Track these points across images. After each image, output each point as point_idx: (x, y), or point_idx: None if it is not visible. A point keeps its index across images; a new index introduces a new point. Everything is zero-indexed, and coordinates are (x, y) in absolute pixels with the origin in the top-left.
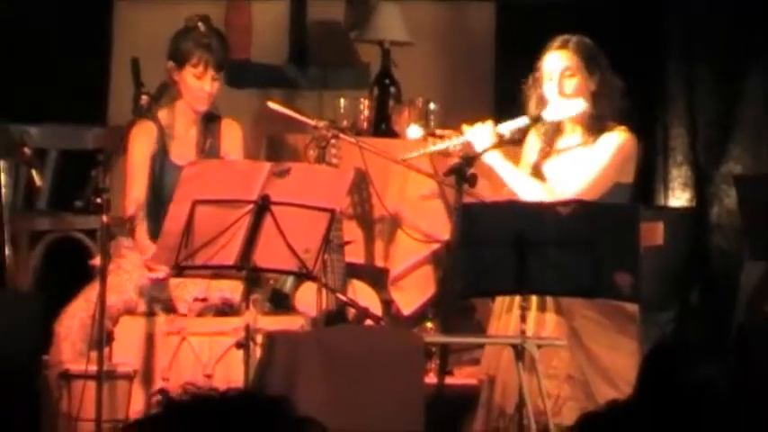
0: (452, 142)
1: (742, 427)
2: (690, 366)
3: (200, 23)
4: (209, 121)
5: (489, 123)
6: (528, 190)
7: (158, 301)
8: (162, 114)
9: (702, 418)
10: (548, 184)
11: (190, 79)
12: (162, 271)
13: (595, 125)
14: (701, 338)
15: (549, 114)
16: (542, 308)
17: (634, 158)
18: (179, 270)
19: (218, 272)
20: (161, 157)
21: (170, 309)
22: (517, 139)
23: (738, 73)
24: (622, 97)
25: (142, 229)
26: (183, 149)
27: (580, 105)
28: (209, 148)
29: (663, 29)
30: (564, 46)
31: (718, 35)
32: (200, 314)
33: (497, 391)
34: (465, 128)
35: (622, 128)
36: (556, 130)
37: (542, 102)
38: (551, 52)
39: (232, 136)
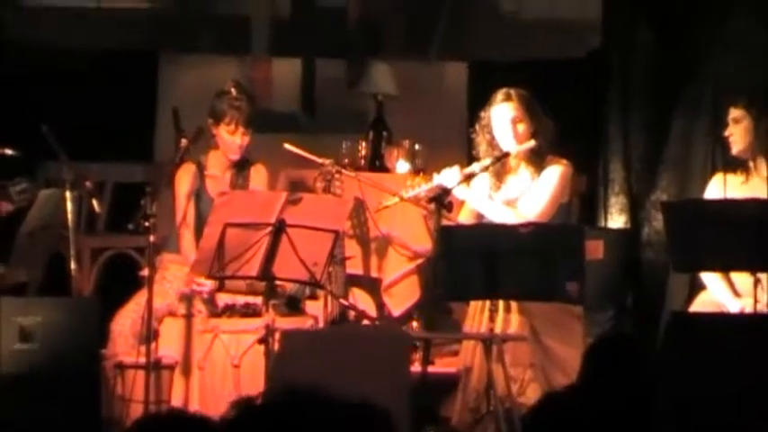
0: (422, 188)
1: (672, 403)
2: (627, 354)
3: (232, 88)
4: (242, 166)
5: (456, 167)
6: (501, 214)
7: (206, 305)
8: (203, 158)
9: (636, 396)
10: (516, 209)
11: (224, 134)
12: (206, 286)
13: (537, 159)
14: (635, 335)
15: (511, 150)
16: (508, 309)
17: (570, 182)
18: (219, 283)
19: (249, 288)
20: (200, 191)
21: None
22: (483, 171)
23: (664, 120)
24: (554, 133)
25: (186, 242)
26: (219, 188)
27: (531, 143)
28: (239, 187)
29: (604, 85)
30: (508, 98)
31: (648, 90)
32: (229, 316)
33: (473, 378)
34: (435, 175)
35: (560, 160)
36: (503, 166)
37: (492, 145)
38: (499, 104)
39: (259, 178)
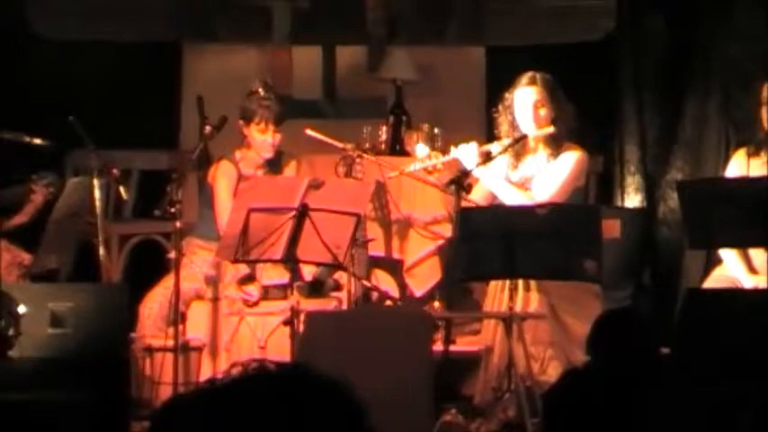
0: (439, 160)
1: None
2: (626, 327)
3: (260, 88)
4: (274, 163)
5: (473, 144)
6: (513, 196)
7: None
8: (238, 157)
9: (644, 369)
10: (528, 192)
11: (256, 134)
12: (253, 296)
13: (555, 143)
14: (652, 311)
15: (530, 133)
16: (527, 288)
17: (586, 168)
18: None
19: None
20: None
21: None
22: (500, 154)
23: (678, 101)
24: (574, 120)
25: None
26: None
27: (551, 129)
28: None
29: (618, 67)
30: (533, 82)
31: (662, 71)
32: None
33: (494, 357)
34: (452, 148)
35: (577, 146)
36: (523, 146)
37: (513, 126)
38: (523, 87)
39: (289, 171)
